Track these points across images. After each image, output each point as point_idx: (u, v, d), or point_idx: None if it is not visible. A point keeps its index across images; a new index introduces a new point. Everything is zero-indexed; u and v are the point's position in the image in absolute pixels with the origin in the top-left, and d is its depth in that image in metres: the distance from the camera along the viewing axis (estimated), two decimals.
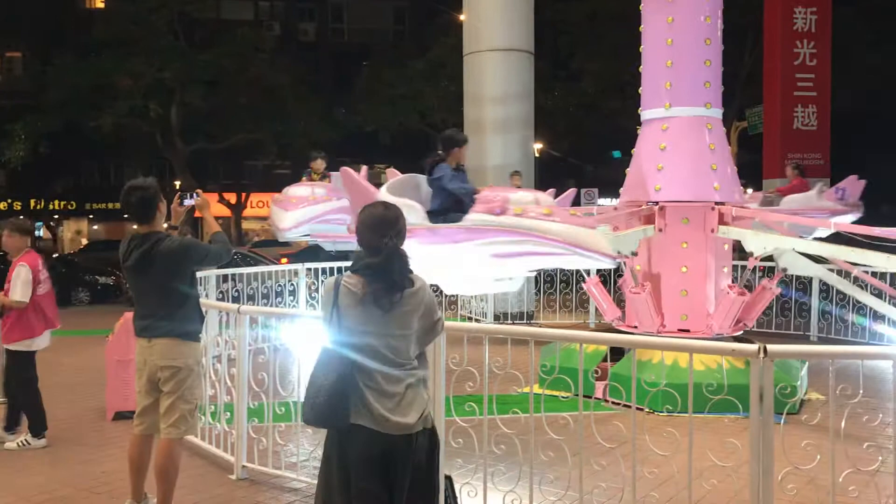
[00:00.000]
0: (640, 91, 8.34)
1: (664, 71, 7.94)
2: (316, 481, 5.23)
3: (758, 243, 7.41)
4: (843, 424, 4.04)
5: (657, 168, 7.89)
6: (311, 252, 23.10)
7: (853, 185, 9.78)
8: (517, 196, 6.25)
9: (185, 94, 26.90)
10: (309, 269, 11.32)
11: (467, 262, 6.07)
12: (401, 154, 39.14)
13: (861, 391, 4.01)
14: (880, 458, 4.20)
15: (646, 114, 8.21)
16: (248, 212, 37.81)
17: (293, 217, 8.50)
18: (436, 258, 5.95)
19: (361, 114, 30.20)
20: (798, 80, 15.98)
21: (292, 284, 11.21)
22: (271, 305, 10.73)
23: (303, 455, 5.69)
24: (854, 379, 4.14)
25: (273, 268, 11.87)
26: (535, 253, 6.02)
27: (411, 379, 3.14)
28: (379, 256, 3.10)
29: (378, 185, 6.40)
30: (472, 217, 6.02)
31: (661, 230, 7.82)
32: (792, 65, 15.93)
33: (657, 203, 7.87)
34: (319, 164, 10.36)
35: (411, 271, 3.20)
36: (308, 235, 9.69)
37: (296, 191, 9.15)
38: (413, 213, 5.83)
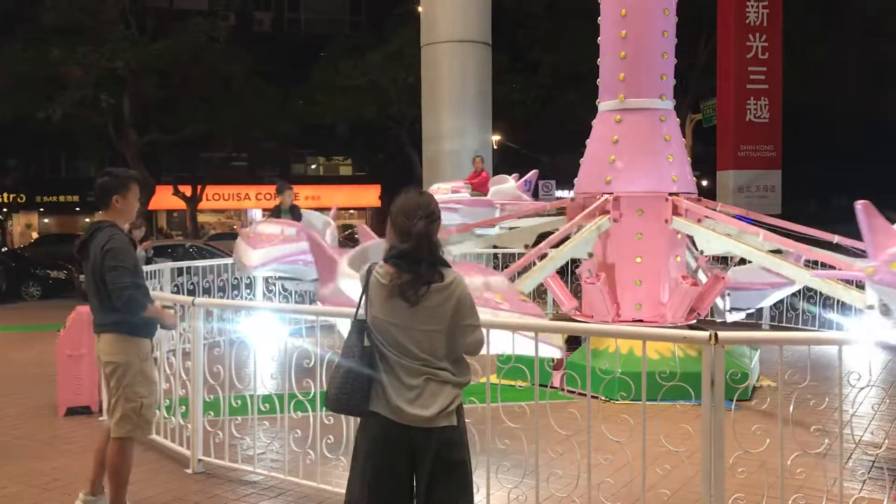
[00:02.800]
0: (597, 83, 8.41)
1: (619, 63, 8.01)
2: (273, 473, 5.23)
3: (706, 244, 7.56)
4: (791, 409, 4.15)
5: (609, 160, 7.97)
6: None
7: (534, 177, 11.91)
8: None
9: (138, 84, 26.41)
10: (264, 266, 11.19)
11: None
12: (359, 145, 39.18)
13: (809, 377, 4.10)
14: (826, 441, 4.31)
15: (602, 105, 8.28)
16: (203, 204, 37.31)
17: (259, 255, 8.22)
18: None
19: (319, 105, 29.97)
20: (751, 72, 16.27)
21: (249, 277, 11.10)
22: (228, 298, 10.62)
23: (259, 448, 5.65)
24: (803, 365, 4.24)
25: (229, 260, 11.72)
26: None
27: (434, 375, 3.06)
28: (409, 241, 3.04)
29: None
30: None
31: (615, 220, 7.90)
32: (745, 58, 16.20)
33: (612, 194, 7.94)
34: (287, 198, 9.70)
35: (446, 264, 3.12)
36: (274, 276, 9.56)
37: (265, 228, 8.81)
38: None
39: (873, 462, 5.46)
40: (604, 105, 8.25)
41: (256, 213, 42.37)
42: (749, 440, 4.30)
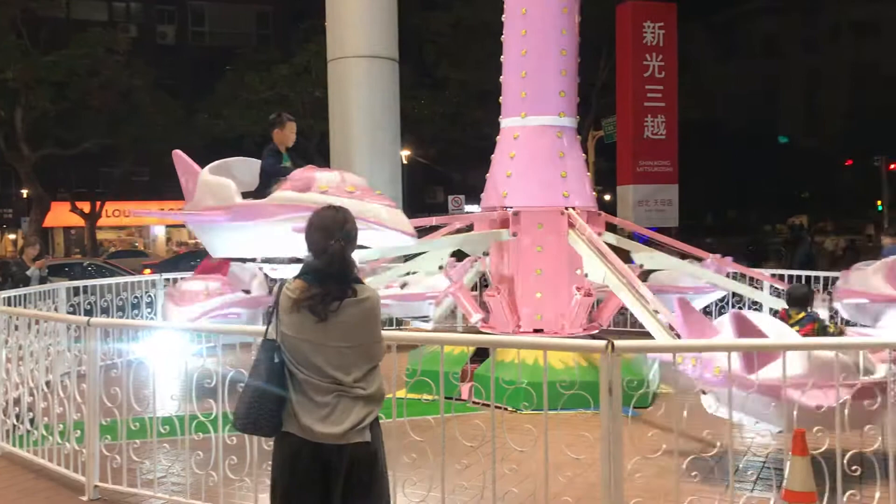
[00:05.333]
0: (500, 101, 8.57)
1: (518, 81, 8.19)
2: (174, 497, 5.08)
3: (593, 269, 7.80)
4: (685, 414, 4.31)
5: (506, 175, 8.15)
6: (175, 263, 22.31)
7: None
8: (324, 175, 6.24)
9: (31, 97, 25.34)
10: (168, 280, 10.92)
11: (271, 241, 6.13)
12: None
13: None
14: (719, 443, 4.49)
15: (504, 122, 8.44)
16: (103, 221, 36.01)
17: (185, 313, 8.08)
18: (241, 237, 6.15)
19: (224, 119, 29.39)
20: (648, 91, 16.86)
21: (150, 296, 10.78)
22: (128, 318, 10.27)
23: (160, 471, 5.48)
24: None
25: (129, 279, 11.38)
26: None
27: (346, 392, 3.03)
28: (322, 259, 3.03)
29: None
30: (277, 195, 6.08)
31: (514, 234, 8.06)
32: (642, 77, 16.79)
33: (511, 208, 8.12)
34: (289, 133, 7.35)
35: (359, 281, 3.11)
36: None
37: (189, 285, 8.69)
38: (222, 190, 6.08)
39: (763, 463, 5.73)
40: (505, 122, 8.42)
41: (159, 230, 41.28)
42: (647, 445, 4.45)
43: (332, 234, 3.05)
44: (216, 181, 6.03)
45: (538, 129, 8.10)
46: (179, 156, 6.96)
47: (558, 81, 8.09)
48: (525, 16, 8.14)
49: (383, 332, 3.23)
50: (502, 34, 8.53)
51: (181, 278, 9.68)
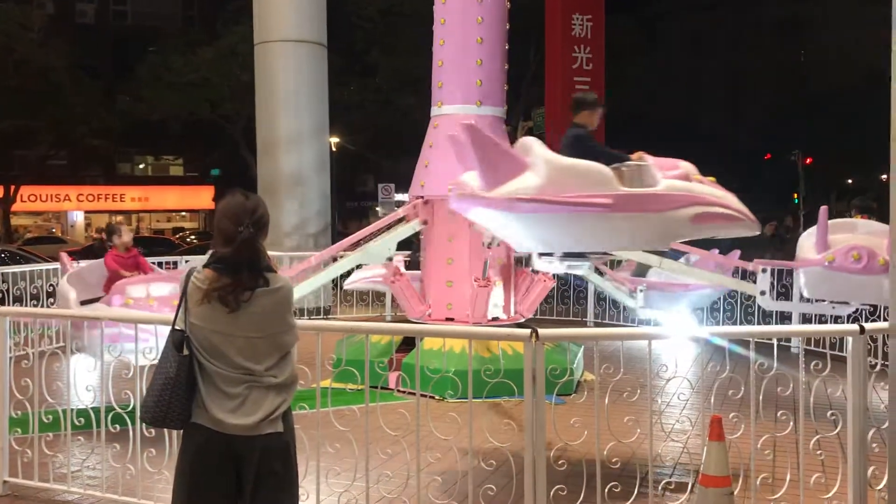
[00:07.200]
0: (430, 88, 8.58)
1: (437, 70, 8.23)
2: (90, 491, 4.93)
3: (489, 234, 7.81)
4: (606, 402, 4.39)
5: (425, 164, 8.18)
6: (93, 250, 21.57)
7: None
8: (680, 162, 5.53)
9: None
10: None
11: (623, 234, 5.13)
12: (192, 144, 37.69)
13: (622, 370, 4.35)
14: (638, 430, 4.58)
15: (431, 112, 8.47)
16: (18, 206, 34.63)
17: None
18: (572, 228, 4.94)
19: (146, 101, 28.56)
20: (576, 83, 17.01)
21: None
22: (42, 307, 9.90)
23: (74, 465, 5.30)
24: (616, 359, 4.49)
25: (44, 266, 10.93)
26: (722, 217, 5.31)
27: (257, 381, 2.97)
28: (231, 247, 2.93)
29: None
30: (668, 184, 5.16)
31: (424, 223, 8.09)
32: (570, 69, 16.94)
33: (422, 198, 8.14)
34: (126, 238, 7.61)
35: (270, 269, 3.03)
36: None
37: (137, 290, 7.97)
38: (595, 174, 4.88)
39: (682, 448, 5.89)
40: (432, 111, 8.45)
41: (78, 216, 39.93)
42: (570, 432, 4.51)
43: (241, 221, 2.96)
44: (585, 165, 4.88)
45: (455, 118, 8.10)
46: (475, 130, 5.01)
47: (475, 70, 8.07)
48: (444, 5, 8.15)
49: (310, 322, 3.18)
50: (432, 21, 8.53)
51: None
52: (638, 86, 28.86)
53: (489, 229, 5.38)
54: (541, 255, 5.66)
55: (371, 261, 8.11)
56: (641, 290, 8.03)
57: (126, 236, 7.64)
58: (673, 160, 5.53)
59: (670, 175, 5.26)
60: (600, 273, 8.76)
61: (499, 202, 4.67)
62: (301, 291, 7.17)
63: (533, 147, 4.92)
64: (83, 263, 8.13)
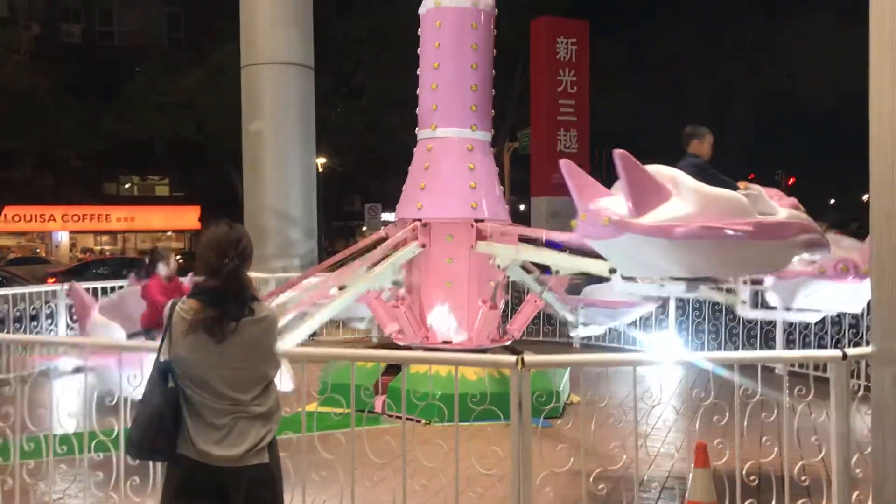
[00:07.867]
0: (416, 111, 8.59)
1: (431, 93, 8.25)
2: None
3: (505, 256, 7.85)
4: (592, 427, 4.39)
5: (420, 187, 8.18)
6: (80, 271, 21.44)
7: None
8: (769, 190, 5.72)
9: None
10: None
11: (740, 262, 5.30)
12: (177, 165, 37.60)
13: (608, 396, 4.37)
14: (625, 456, 4.58)
15: (419, 134, 8.48)
16: (1, 226, 34.42)
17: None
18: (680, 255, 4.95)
19: (132, 122, 28.51)
20: (561, 105, 17.17)
21: (50, 307, 10.31)
22: (25, 330, 9.81)
23: (56, 493, 5.24)
24: (604, 384, 4.51)
25: (27, 289, 10.84)
26: (820, 244, 5.47)
27: (243, 412, 2.97)
28: (217, 279, 2.94)
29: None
30: (789, 213, 5.30)
31: (423, 246, 8.08)
32: (555, 91, 17.09)
33: (421, 220, 8.14)
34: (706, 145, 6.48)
35: (255, 298, 3.04)
36: None
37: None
38: (734, 203, 4.99)
39: (668, 474, 5.89)
40: (420, 133, 8.46)
41: (63, 236, 39.68)
42: (556, 458, 4.50)
43: (226, 253, 2.97)
44: (727, 193, 5.05)
45: (450, 141, 8.16)
46: (570, 165, 5.37)
47: (470, 95, 8.15)
48: (439, 29, 8.19)
49: (296, 350, 3.19)
50: (419, 43, 8.57)
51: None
52: (622, 107, 29.11)
53: (626, 255, 5.21)
54: (624, 278, 5.70)
55: (378, 285, 8.07)
56: (582, 308, 8.07)
57: (172, 264, 7.24)
58: (770, 188, 5.73)
59: (780, 203, 5.43)
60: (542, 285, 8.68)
61: (658, 229, 4.72)
62: (314, 325, 7.15)
63: (677, 176, 5.06)
64: (113, 295, 8.04)
